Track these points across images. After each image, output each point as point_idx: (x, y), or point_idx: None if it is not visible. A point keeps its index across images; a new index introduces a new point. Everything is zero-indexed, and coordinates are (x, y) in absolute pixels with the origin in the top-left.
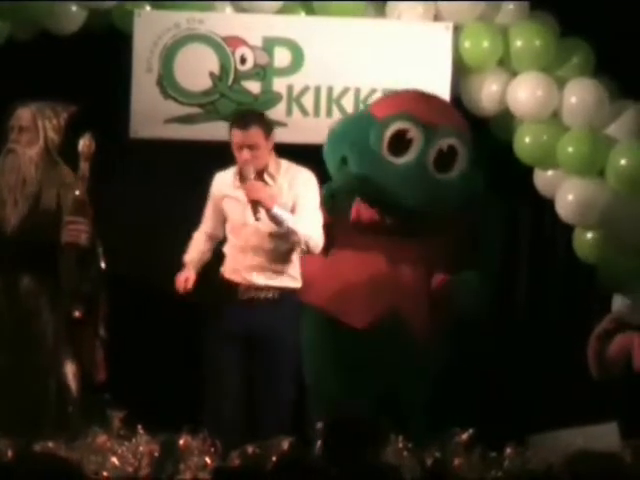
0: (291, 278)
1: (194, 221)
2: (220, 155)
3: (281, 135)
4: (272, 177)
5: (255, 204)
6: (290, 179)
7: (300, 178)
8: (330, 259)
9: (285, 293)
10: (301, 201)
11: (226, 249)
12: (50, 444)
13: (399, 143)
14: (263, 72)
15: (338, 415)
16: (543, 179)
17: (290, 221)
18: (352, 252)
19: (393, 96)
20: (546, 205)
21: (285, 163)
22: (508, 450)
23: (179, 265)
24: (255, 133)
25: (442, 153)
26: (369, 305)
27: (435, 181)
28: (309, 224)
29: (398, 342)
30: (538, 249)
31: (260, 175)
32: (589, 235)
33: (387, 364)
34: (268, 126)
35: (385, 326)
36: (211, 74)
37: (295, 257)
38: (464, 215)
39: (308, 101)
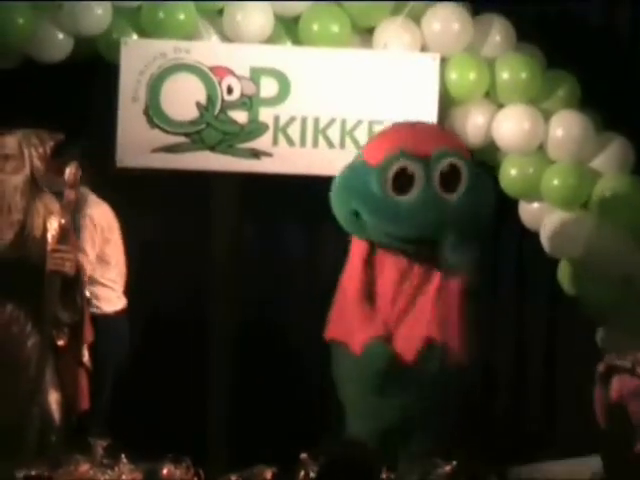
0: None
1: (178, 250)
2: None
3: (267, 165)
4: None
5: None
6: None
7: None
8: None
9: None
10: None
11: None
12: (33, 472)
13: (402, 181)
14: (250, 102)
15: (333, 454)
16: (528, 211)
17: None
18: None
19: (380, 136)
20: (531, 237)
21: None
22: None
23: (162, 294)
24: None
25: (445, 174)
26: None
27: (448, 203)
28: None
29: (432, 374)
30: (522, 281)
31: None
32: (573, 267)
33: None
34: None
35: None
36: (197, 104)
37: None
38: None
39: (294, 131)
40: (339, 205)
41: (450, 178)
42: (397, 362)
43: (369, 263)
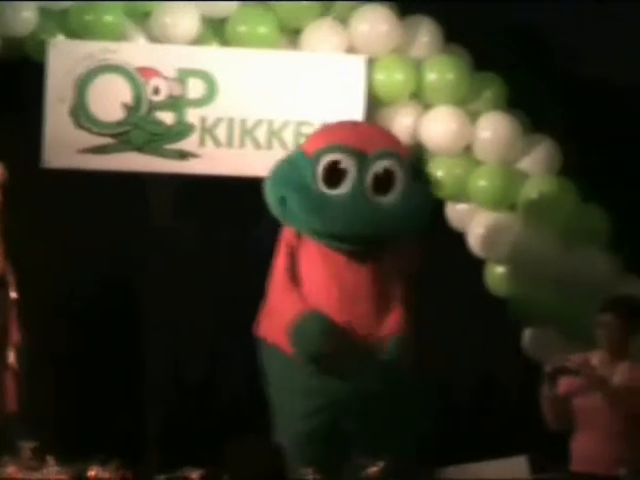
0: None
1: (107, 250)
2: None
3: (194, 166)
4: None
5: None
6: None
7: None
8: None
9: None
10: None
11: None
12: None
13: (333, 175)
14: (176, 103)
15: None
16: (455, 212)
17: None
18: (315, 283)
19: (323, 130)
20: (458, 238)
21: None
22: None
23: (89, 296)
24: None
25: (379, 177)
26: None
27: (376, 205)
28: None
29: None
30: (450, 282)
31: None
32: (500, 268)
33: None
34: None
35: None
36: (124, 104)
37: None
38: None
39: (221, 132)
40: (270, 192)
41: (384, 181)
42: (336, 336)
43: (298, 254)
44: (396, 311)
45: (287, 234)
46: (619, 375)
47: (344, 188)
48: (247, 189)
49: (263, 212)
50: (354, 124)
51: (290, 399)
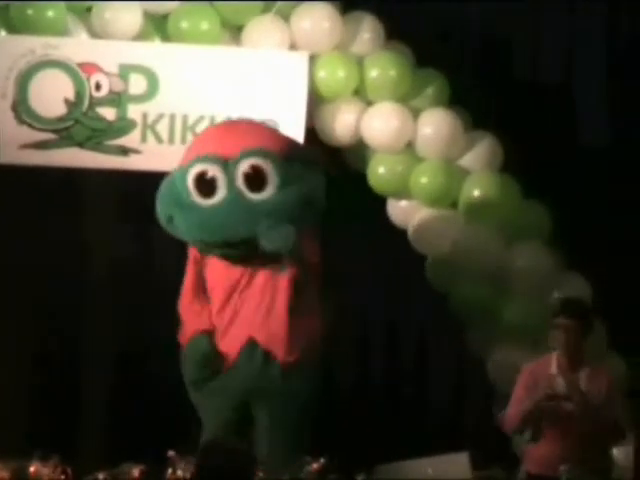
0: None
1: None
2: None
3: (135, 162)
4: None
5: None
6: None
7: None
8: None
9: None
10: None
11: None
12: None
13: (205, 185)
14: (118, 99)
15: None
16: (397, 209)
17: None
18: (217, 296)
19: (194, 140)
20: (400, 235)
21: None
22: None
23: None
24: None
25: (249, 176)
26: (232, 338)
27: (253, 205)
28: None
29: (256, 373)
30: (391, 280)
31: None
32: (442, 265)
33: (246, 393)
34: None
35: (244, 359)
36: (66, 100)
37: None
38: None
39: (163, 128)
40: (159, 212)
41: (255, 178)
42: (219, 359)
43: (204, 268)
44: (304, 324)
45: (192, 250)
46: (584, 383)
47: (218, 196)
48: None
49: None
50: (225, 126)
51: (201, 399)
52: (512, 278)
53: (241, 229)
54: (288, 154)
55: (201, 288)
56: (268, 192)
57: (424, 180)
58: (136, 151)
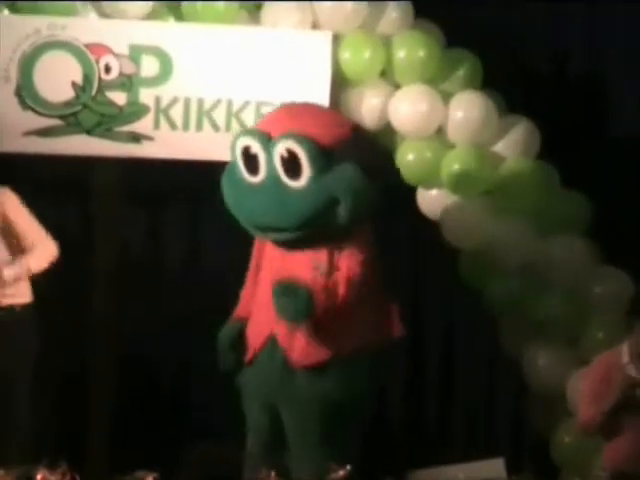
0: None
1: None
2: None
3: (148, 150)
4: None
5: None
6: None
7: None
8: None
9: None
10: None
11: None
12: None
13: (250, 162)
14: (129, 82)
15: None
16: (427, 199)
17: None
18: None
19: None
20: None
21: None
22: None
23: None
24: None
25: (285, 159)
26: (256, 330)
27: (289, 191)
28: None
29: (277, 373)
30: (420, 274)
31: None
32: (475, 257)
33: (269, 394)
34: None
35: (265, 354)
36: (73, 84)
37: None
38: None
39: (177, 114)
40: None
41: (290, 164)
42: (244, 350)
43: (260, 248)
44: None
45: None
46: None
47: (261, 175)
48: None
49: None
50: (288, 107)
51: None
52: (548, 272)
53: (273, 214)
54: (340, 148)
55: (256, 273)
56: (301, 180)
57: (455, 167)
58: (148, 138)
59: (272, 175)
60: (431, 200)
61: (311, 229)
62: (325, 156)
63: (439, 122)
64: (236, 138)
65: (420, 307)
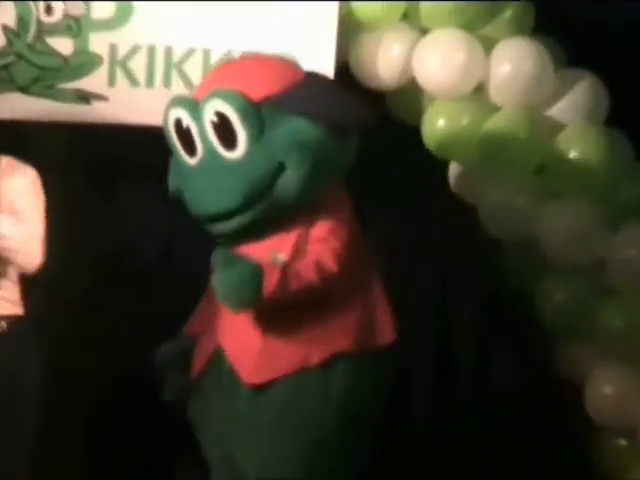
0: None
1: None
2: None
3: (101, 112)
4: None
5: None
6: None
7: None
8: None
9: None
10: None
11: None
12: None
13: (185, 139)
14: (77, 26)
15: None
16: (462, 177)
17: None
18: None
19: None
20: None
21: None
22: None
23: None
24: None
25: (217, 125)
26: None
27: (228, 165)
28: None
29: (223, 392)
30: (452, 269)
31: None
32: (522, 252)
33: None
34: None
35: (211, 373)
36: (4, 28)
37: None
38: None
39: (139, 66)
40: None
41: (224, 129)
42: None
43: None
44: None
45: None
46: None
47: (198, 153)
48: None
49: None
50: (226, 63)
51: None
52: (618, 272)
53: (207, 200)
54: (284, 100)
55: None
56: (240, 149)
57: (499, 136)
58: (101, 97)
59: (208, 150)
60: (467, 178)
61: (262, 207)
62: (264, 112)
63: (479, 78)
64: (166, 110)
65: (446, 310)
